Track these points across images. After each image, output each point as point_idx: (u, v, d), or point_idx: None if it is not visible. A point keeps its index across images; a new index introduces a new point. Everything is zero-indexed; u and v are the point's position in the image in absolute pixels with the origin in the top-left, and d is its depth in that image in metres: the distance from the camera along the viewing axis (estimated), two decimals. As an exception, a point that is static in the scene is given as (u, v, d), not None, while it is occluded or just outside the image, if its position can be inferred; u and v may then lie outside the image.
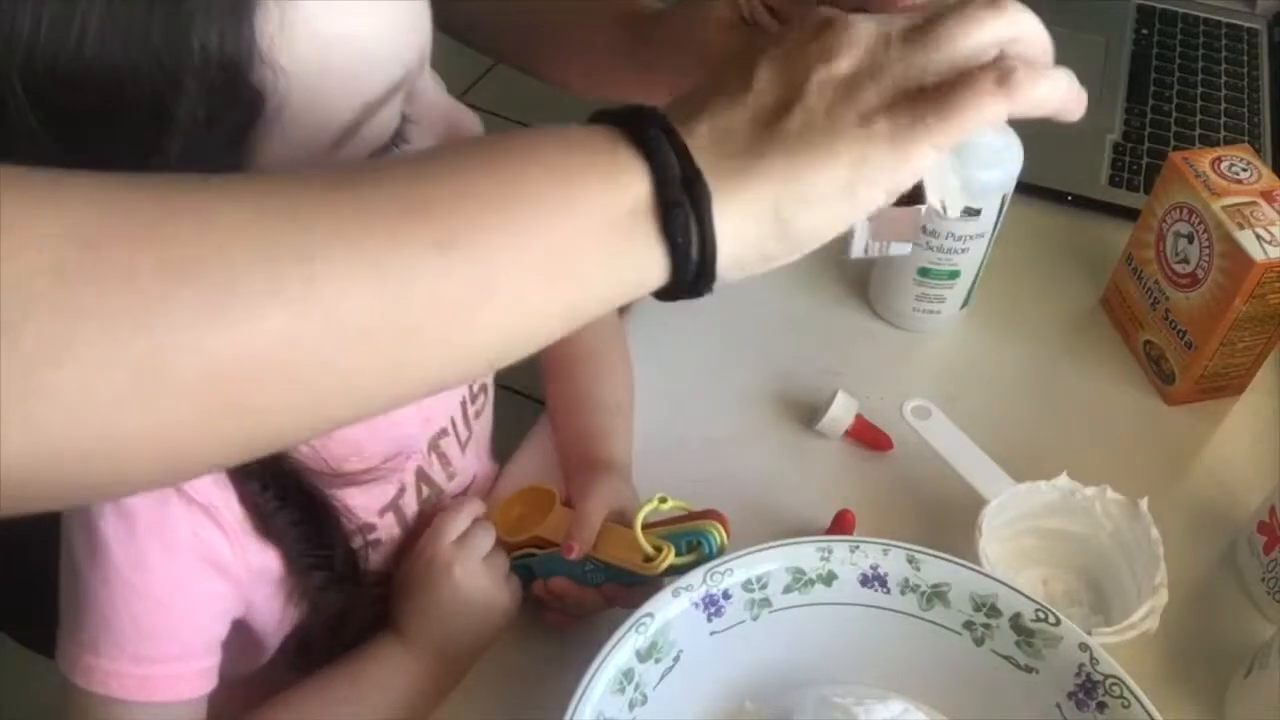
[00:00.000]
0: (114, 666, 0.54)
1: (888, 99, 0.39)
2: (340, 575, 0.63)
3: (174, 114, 0.39)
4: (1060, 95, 0.42)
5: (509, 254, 0.36)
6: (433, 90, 0.50)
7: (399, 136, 0.47)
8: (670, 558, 0.62)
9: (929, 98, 0.39)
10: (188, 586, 0.56)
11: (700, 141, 0.38)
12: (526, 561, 0.67)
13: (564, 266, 0.37)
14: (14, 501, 0.32)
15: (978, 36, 0.40)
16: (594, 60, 0.70)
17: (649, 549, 0.62)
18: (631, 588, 0.65)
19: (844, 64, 0.39)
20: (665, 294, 0.40)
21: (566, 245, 0.37)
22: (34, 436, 0.30)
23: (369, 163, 0.41)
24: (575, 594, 0.66)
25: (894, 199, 0.41)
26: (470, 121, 0.51)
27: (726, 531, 0.63)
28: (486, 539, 0.66)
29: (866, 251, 0.46)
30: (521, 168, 0.37)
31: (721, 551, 0.62)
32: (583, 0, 0.70)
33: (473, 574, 0.64)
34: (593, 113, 0.40)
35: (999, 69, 0.40)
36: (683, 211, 0.37)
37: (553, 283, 0.37)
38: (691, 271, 0.38)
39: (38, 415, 0.30)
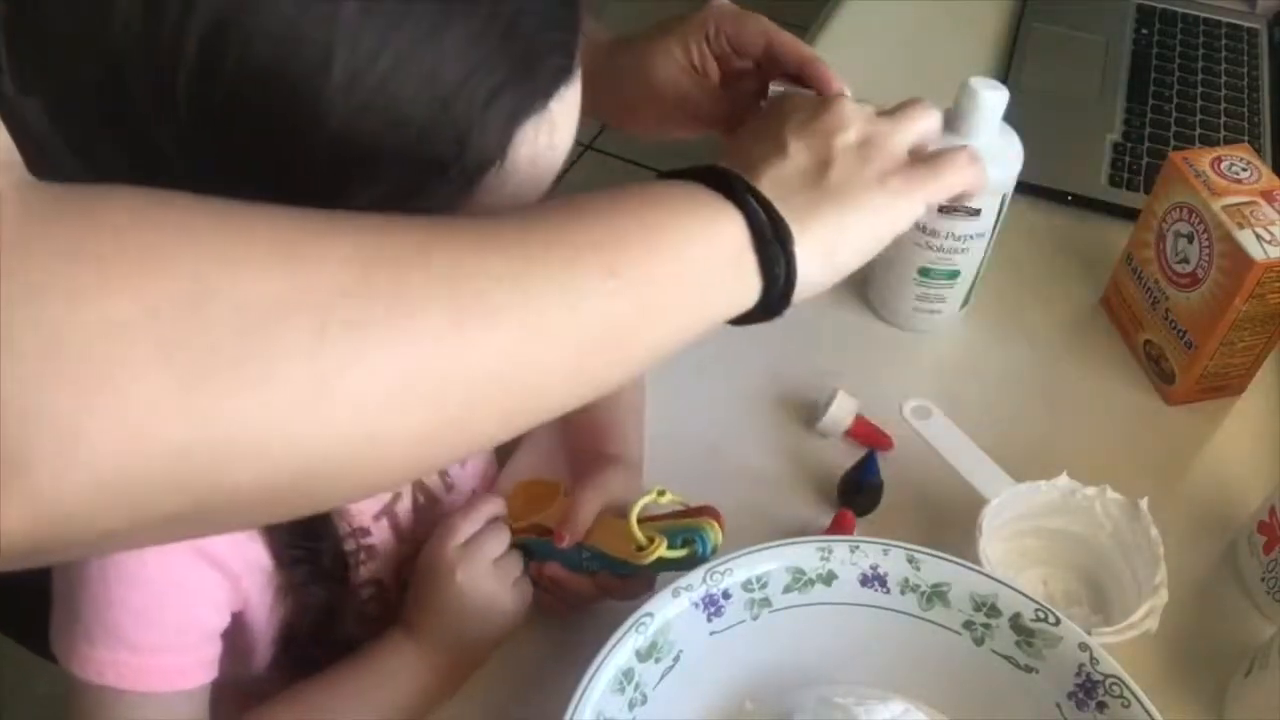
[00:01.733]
0: (111, 656, 0.54)
1: (890, 164, 0.52)
2: (327, 572, 0.63)
3: (400, 173, 0.43)
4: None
5: (658, 280, 0.43)
6: None
7: None
8: (661, 550, 0.62)
9: (923, 164, 0.54)
10: (183, 577, 0.56)
11: (771, 196, 0.48)
12: (526, 542, 0.67)
13: (695, 293, 0.45)
14: (298, 498, 0.36)
15: (926, 122, 0.56)
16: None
17: (641, 539, 0.63)
18: (625, 579, 0.65)
19: (853, 134, 0.52)
20: (744, 318, 0.49)
21: (696, 275, 0.45)
22: (325, 437, 0.34)
23: (537, 209, 0.45)
24: (568, 581, 0.66)
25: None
26: None
27: (722, 529, 0.63)
28: (496, 543, 0.65)
29: None
30: (654, 215, 0.45)
31: (715, 550, 0.62)
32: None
33: (477, 579, 0.64)
34: (665, 171, 0.48)
35: (969, 149, 0.56)
36: (775, 249, 0.47)
37: (687, 306, 0.45)
38: (776, 297, 0.48)
39: (332, 417, 0.34)
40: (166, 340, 0.31)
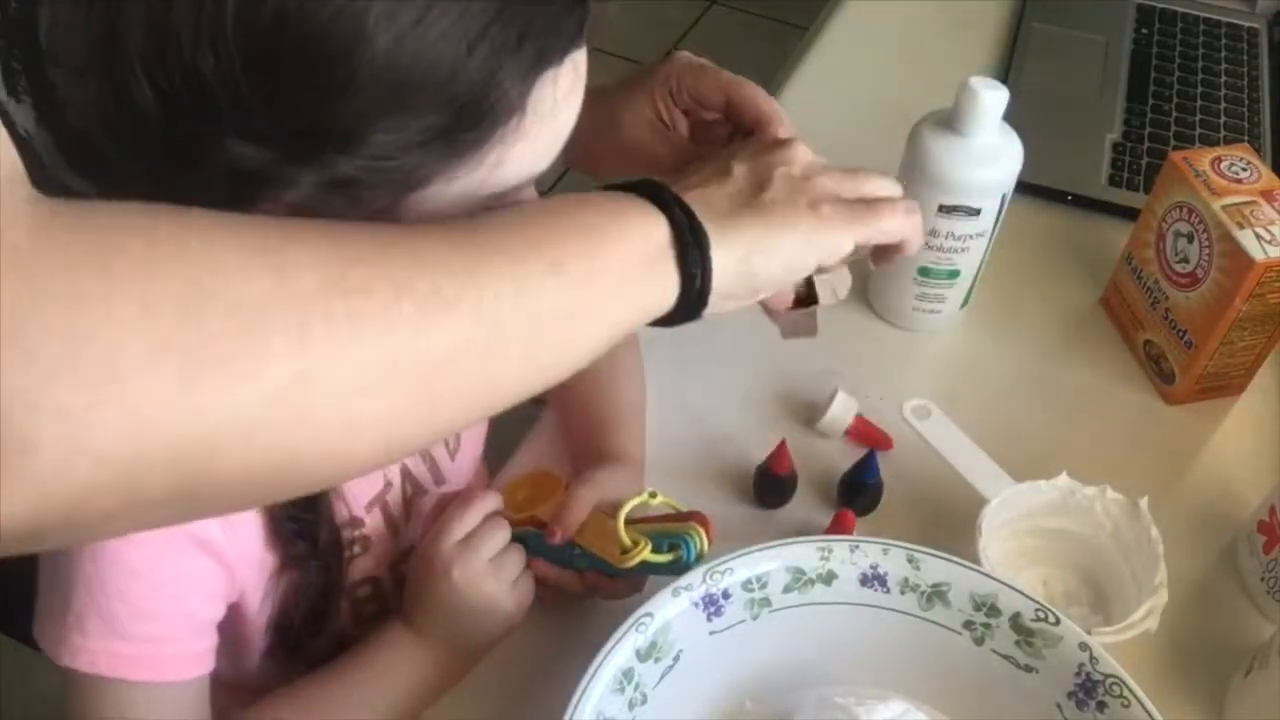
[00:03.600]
0: (103, 645, 0.54)
1: (825, 196, 0.55)
2: (323, 549, 0.63)
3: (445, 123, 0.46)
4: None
5: (595, 274, 0.47)
6: None
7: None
8: (644, 554, 0.62)
9: (862, 204, 0.56)
10: (178, 565, 0.56)
11: (694, 202, 0.52)
12: (520, 534, 0.67)
13: (625, 286, 0.49)
14: (275, 484, 0.40)
15: (882, 186, 0.58)
16: None
17: (626, 541, 0.63)
18: (613, 579, 0.66)
19: (797, 167, 0.56)
20: (669, 319, 0.52)
21: (625, 270, 0.49)
22: (307, 423, 0.38)
23: (485, 215, 0.48)
24: (555, 577, 0.67)
25: (796, 288, 0.62)
26: None
27: (709, 536, 0.63)
28: (494, 540, 0.65)
29: (787, 336, 0.65)
30: (589, 217, 0.49)
31: (700, 557, 0.62)
32: None
33: (473, 577, 0.63)
34: (604, 184, 0.53)
35: (908, 201, 0.58)
36: (694, 250, 0.50)
37: (620, 299, 0.49)
38: (694, 297, 0.51)
39: (313, 405, 0.37)
40: (165, 339, 0.34)
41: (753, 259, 0.52)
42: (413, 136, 0.45)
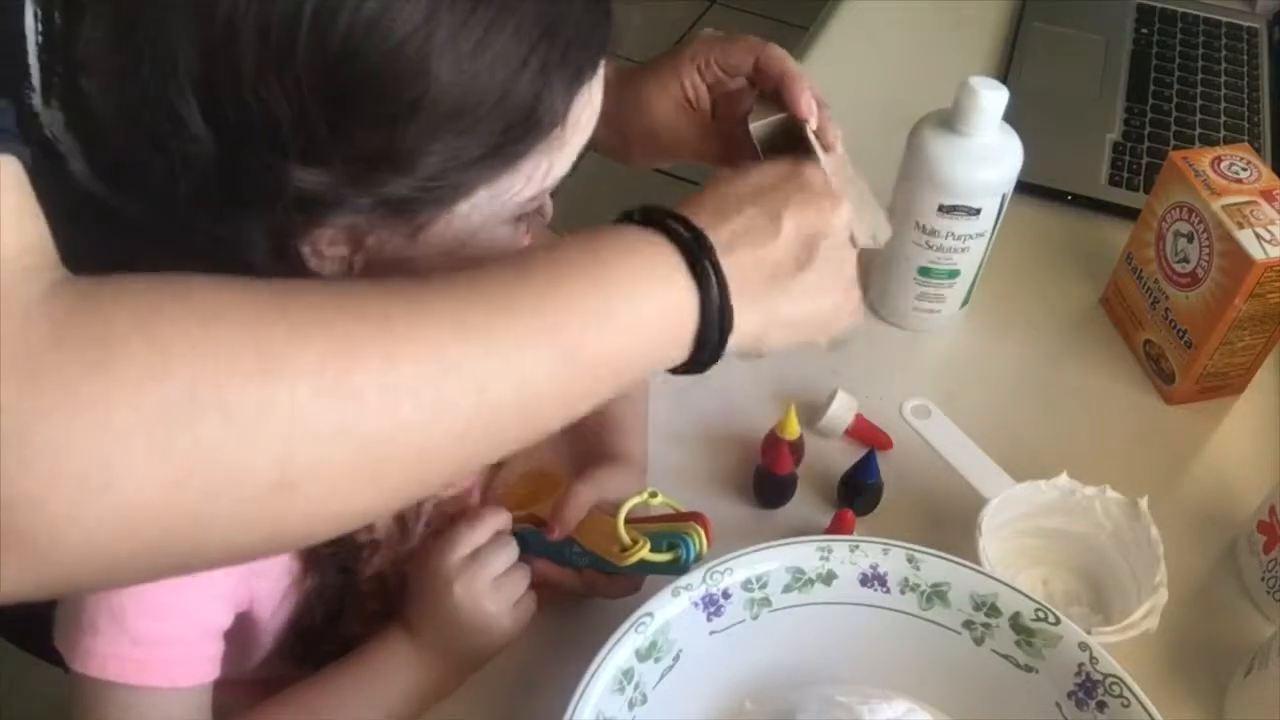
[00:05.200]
0: (113, 649, 0.54)
1: (855, 278, 0.56)
2: (343, 551, 0.63)
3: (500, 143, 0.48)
4: None
5: (606, 356, 0.47)
6: None
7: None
8: (643, 553, 0.62)
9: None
10: None
11: (734, 270, 0.49)
12: (519, 532, 0.67)
13: (636, 357, 0.48)
14: (262, 555, 0.42)
15: None
16: None
17: (625, 540, 0.63)
18: (612, 578, 0.66)
19: (837, 241, 0.54)
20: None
21: (640, 344, 0.48)
22: (293, 515, 0.39)
23: (494, 268, 0.47)
24: (555, 576, 0.67)
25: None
26: None
27: (708, 536, 0.63)
28: (500, 559, 0.65)
29: None
30: (609, 280, 0.47)
31: (699, 557, 0.62)
32: None
33: (474, 594, 0.63)
34: (647, 210, 0.50)
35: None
36: (714, 332, 0.49)
37: (627, 369, 0.48)
38: (696, 366, 0.51)
39: (301, 497, 0.39)
40: (162, 447, 0.35)
41: (769, 332, 0.52)
42: (465, 154, 0.47)
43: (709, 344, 0.50)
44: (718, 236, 0.50)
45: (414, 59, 0.44)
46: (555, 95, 0.48)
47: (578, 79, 0.49)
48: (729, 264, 0.49)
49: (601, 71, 0.51)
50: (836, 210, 0.54)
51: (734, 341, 0.50)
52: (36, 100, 0.45)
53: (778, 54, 0.67)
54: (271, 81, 0.43)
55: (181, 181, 0.45)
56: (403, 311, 0.42)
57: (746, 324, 0.51)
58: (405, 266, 0.51)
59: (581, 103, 0.50)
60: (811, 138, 0.64)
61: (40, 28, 0.44)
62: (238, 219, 0.46)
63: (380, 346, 0.40)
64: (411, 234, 0.50)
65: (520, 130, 0.48)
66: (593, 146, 0.55)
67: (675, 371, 0.51)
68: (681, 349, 0.50)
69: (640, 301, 0.47)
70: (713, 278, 0.49)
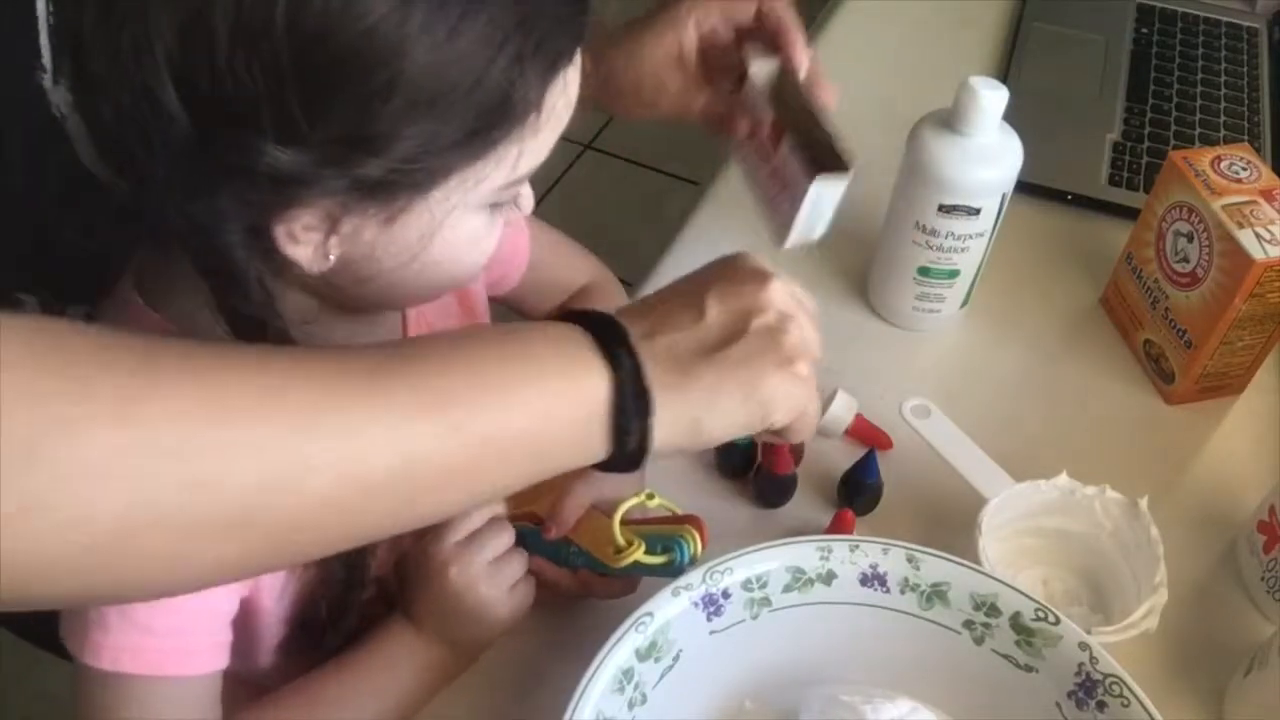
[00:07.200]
0: (123, 640, 0.54)
1: (800, 353, 0.51)
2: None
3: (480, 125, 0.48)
4: None
5: (503, 436, 0.45)
6: None
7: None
8: (637, 554, 0.62)
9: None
10: None
11: (652, 354, 0.48)
12: (518, 529, 0.67)
13: (541, 446, 0.47)
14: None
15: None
16: None
17: (620, 541, 0.63)
18: (607, 578, 0.66)
19: (773, 314, 0.51)
20: (600, 467, 0.50)
21: (545, 432, 0.46)
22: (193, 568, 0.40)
23: (392, 342, 0.49)
24: (551, 574, 0.67)
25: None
26: None
27: (703, 539, 0.63)
28: (496, 543, 0.65)
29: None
30: (521, 365, 0.47)
31: (694, 560, 0.63)
32: None
33: (471, 579, 0.63)
34: (569, 311, 0.50)
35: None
36: (630, 420, 0.47)
37: (529, 457, 0.47)
38: (625, 459, 0.49)
39: (209, 551, 0.40)
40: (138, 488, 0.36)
41: (701, 422, 0.49)
42: (440, 139, 0.47)
43: (631, 432, 0.47)
44: (637, 327, 0.49)
45: (388, 41, 0.44)
46: (530, 83, 0.48)
47: (553, 68, 0.49)
48: (647, 348, 0.49)
49: (578, 60, 0.52)
50: (766, 287, 0.52)
51: (665, 432, 0.48)
52: (47, 79, 0.45)
53: (780, 6, 0.69)
54: (247, 59, 0.43)
55: (159, 162, 0.46)
56: (283, 368, 0.41)
57: (673, 412, 0.48)
58: (375, 261, 0.52)
59: (556, 91, 0.50)
60: (802, 90, 0.67)
61: (51, 8, 0.44)
62: (212, 198, 0.46)
63: (249, 400, 0.39)
64: (387, 220, 0.50)
65: (495, 116, 0.48)
66: (593, 98, 0.56)
67: (606, 468, 0.49)
68: (600, 438, 0.48)
69: (548, 380, 0.46)
70: (625, 361, 0.48)
